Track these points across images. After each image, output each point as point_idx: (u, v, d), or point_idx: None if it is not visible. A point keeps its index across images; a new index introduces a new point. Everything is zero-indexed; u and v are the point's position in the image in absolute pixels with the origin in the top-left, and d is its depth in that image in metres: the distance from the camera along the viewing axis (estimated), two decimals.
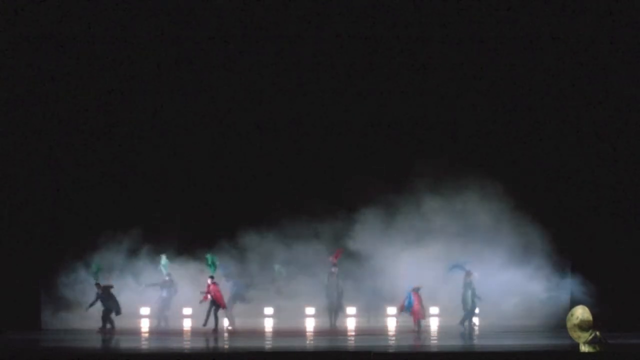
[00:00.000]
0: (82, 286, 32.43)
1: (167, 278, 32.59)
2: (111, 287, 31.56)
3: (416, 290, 31.14)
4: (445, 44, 33.57)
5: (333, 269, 33.24)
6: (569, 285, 32.18)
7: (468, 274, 31.33)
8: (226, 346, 26.98)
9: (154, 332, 31.64)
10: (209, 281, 30.91)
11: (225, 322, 31.74)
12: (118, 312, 31.29)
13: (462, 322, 31.40)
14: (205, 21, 33.40)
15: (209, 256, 31.40)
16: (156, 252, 32.94)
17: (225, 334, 30.62)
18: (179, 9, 33.27)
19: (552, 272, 32.58)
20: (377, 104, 34.15)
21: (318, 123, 34.14)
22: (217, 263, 31.46)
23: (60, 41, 32.69)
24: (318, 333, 31.08)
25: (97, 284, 31.45)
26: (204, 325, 30.80)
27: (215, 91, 33.97)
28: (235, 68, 33.95)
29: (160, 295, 32.70)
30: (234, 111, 34.05)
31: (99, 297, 31.18)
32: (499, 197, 32.55)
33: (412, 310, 31.10)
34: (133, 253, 32.99)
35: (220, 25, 33.49)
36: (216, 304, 30.86)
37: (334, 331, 31.78)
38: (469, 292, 31.26)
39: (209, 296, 30.86)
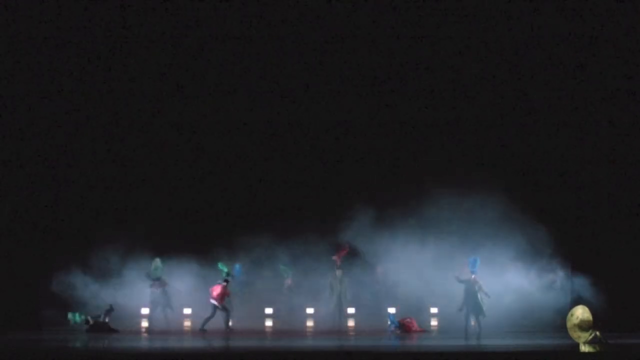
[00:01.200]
0: (81, 288, 32.56)
1: (157, 281, 32.64)
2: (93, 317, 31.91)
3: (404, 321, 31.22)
4: (445, 43, 33.60)
5: (338, 271, 33.35)
6: (569, 285, 32.18)
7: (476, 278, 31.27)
8: (226, 346, 26.97)
9: (154, 332, 31.69)
10: (225, 283, 31.30)
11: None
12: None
13: (480, 324, 31.26)
14: (204, 21, 33.45)
15: (222, 265, 31.79)
16: (156, 252, 32.99)
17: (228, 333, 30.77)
18: (179, 10, 33.33)
19: (553, 272, 32.55)
20: (377, 104, 34.17)
21: (318, 122, 34.17)
22: (229, 268, 31.90)
23: (60, 41, 32.71)
24: (318, 333, 31.07)
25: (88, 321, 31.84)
26: (227, 329, 31.19)
27: (215, 91, 33.99)
28: (235, 69, 33.96)
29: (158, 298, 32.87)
30: (234, 111, 34.07)
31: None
32: (501, 198, 32.52)
33: (406, 328, 31.11)
34: (133, 253, 33.01)
35: (220, 25, 33.52)
36: (222, 305, 31.05)
37: (335, 331, 31.78)
38: (479, 295, 31.17)
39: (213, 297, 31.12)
